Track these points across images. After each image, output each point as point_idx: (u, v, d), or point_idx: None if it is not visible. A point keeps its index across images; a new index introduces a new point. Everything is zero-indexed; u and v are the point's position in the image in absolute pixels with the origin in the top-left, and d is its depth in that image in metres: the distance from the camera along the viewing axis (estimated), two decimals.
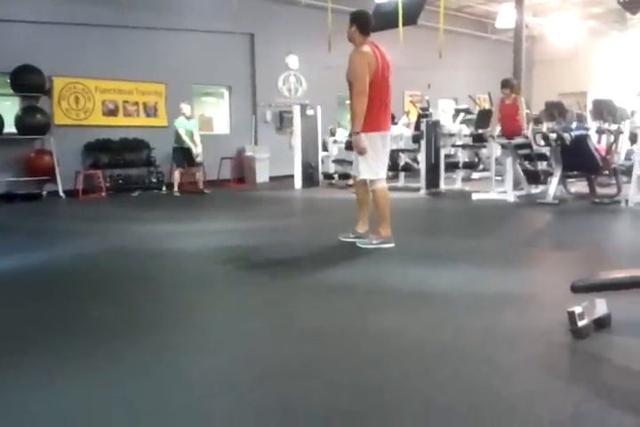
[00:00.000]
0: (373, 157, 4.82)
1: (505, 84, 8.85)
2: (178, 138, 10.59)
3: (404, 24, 9.79)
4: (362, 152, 4.77)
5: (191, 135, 10.63)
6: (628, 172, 7.85)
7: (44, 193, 10.13)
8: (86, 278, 4.22)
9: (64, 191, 10.11)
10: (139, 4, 10.58)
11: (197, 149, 10.66)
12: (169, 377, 2.36)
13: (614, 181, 8.05)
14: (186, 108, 10.61)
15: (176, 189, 10.54)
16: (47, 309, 3.39)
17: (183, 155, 10.66)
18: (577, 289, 2.67)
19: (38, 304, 3.49)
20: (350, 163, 11.73)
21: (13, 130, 9.92)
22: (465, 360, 2.45)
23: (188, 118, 10.72)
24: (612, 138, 9.29)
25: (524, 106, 9.02)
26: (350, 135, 4.95)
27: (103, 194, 10.42)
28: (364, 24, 4.75)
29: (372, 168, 4.85)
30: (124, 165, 11.15)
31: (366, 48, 4.71)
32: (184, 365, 2.48)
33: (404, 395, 2.14)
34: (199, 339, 2.83)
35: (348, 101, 4.99)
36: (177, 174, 10.65)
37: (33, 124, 9.91)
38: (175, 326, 3.05)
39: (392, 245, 4.91)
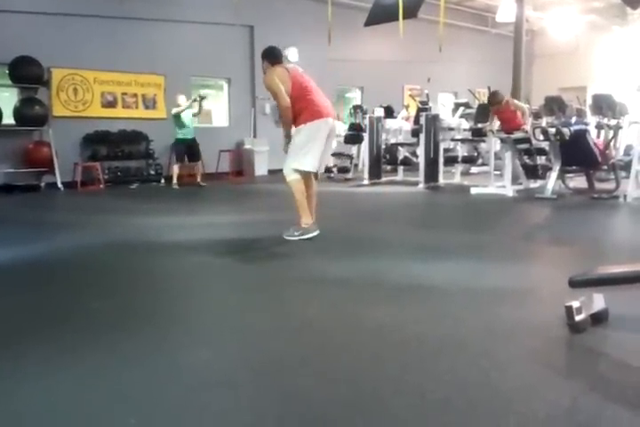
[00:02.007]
0: (306, 147, 5.06)
1: (492, 100, 8.92)
2: (179, 124, 10.48)
3: (404, 17, 9.74)
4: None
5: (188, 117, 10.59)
6: (626, 167, 7.85)
7: (43, 185, 10.13)
8: (84, 270, 4.22)
9: (62, 183, 10.10)
10: None
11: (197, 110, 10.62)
12: (166, 369, 2.36)
13: (613, 177, 8.05)
14: (181, 98, 10.56)
15: (175, 182, 10.52)
16: (45, 300, 3.39)
17: (185, 148, 10.63)
18: (575, 284, 2.68)
19: (36, 295, 3.49)
20: (348, 156, 11.81)
21: (12, 121, 9.90)
22: (462, 354, 2.46)
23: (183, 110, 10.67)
24: (611, 133, 9.29)
25: (519, 104, 9.05)
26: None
27: (101, 186, 10.42)
28: (271, 58, 5.27)
29: (304, 154, 5.07)
30: (122, 158, 11.14)
31: (274, 68, 5.20)
32: (180, 357, 2.48)
33: (401, 388, 2.14)
34: (196, 331, 2.84)
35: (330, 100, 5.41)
36: (176, 168, 10.61)
37: (31, 115, 9.89)
38: (172, 318, 3.06)
39: (315, 233, 5.03)
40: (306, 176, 5.18)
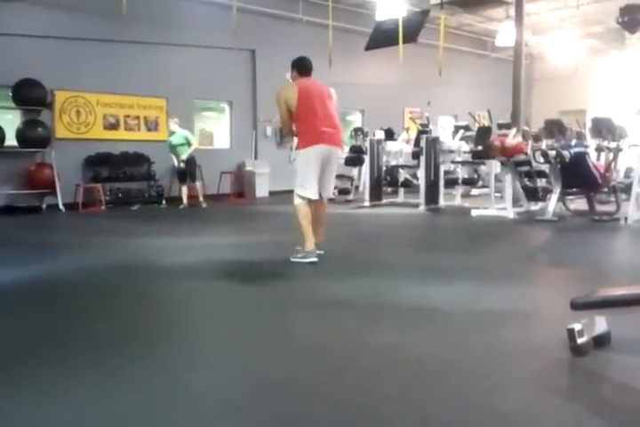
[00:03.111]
0: (301, 173, 5.11)
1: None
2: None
3: (404, 42, 9.88)
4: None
5: (174, 148, 10.76)
6: (627, 189, 7.87)
7: (44, 206, 10.14)
8: (86, 292, 4.20)
9: (64, 204, 10.12)
10: (140, 19, 10.67)
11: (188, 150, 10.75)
12: (168, 393, 2.34)
13: (613, 199, 8.06)
14: (171, 124, 10.81)
15: (185, 202, 10.77)
16: (47, 322, 3.37)
17: (181, 171, 10.85)
18: (576, 306, 2.66)
19: (37, 317, 3.47)
20: (349, 178, 11.84)
21: (14, 143, 9.95)
22: (464, 376, 2.44)
23: (173, 133, 10.86)
24: (611, 156, 9.32)
25: (514, 142, 9.01)
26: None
27: (103, 207, 10.43)
28: (298, 68, 5.34)
29: (300, 184, 5.12)
30: (124, 179, 11.17)
31: (291, 83, 5.27)
32: (183, 381, 2.46)
33: (402, 411, 2.12)
34: (197, 355, 2.82)
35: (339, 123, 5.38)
36: (184, 189, 10.84)
37: (34, 137, 9.94)
38: (174, 341, 3.04)
39: (313, 260, 5.00)
40: (312, 200, 5.16)
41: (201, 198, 10.86)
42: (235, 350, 2.90)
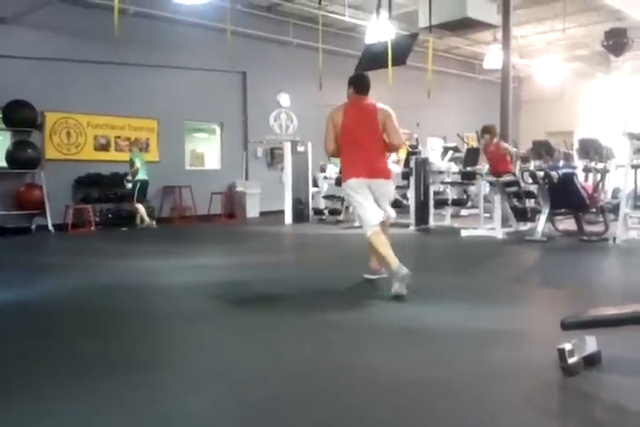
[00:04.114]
0: (356, 205, 4.89)
1: (484, 130, 9.09)
2: (134, 169, 10.72)
3: (393, 64, 9.97)
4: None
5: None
6: (615, 209, 7.93)
7: (34, 227, 10.09)
8: (73, 315, 4.17)
9: (53, 225, 10.07)
10: (132, 41, 10.74)
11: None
12: (157, 418, 2.31)
13: (602, 219, 8.12)
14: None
15: (147, 220, 10.70)
16: (35, 344, 3.34)
17: (143, 187, 10.79)
18: (567, 326, 2.67)
19: (25, 340, 3.44)
20: (339, 198, 11.88)
21: (4, 164, 9.94)
22: (456, 398, 2.43)
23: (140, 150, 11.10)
24: (599, 176, 9.42)
25: (509, 148, 9.20)
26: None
27: (92, 228, 10.39)
28: (353, 86, 5.04)
29: (362, 216, 4.85)
30: (114, 200, 11.15)
31: (339, 107, 5.00)
32: (173, 404, 2.44)
33: None
34: (188, 377, 2.80)
35: None
36: (141, 207, 10.76)
37: (24, 158, 9.94)
38: (163, 364, 3.01)
39: (377, 276, 5.06)
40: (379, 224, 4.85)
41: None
42: (225, 372, 2.87)
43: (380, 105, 4.97)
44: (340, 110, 4.92)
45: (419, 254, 7.72)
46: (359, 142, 4.82)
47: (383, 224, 4.90)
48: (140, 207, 10.72)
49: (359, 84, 5.03)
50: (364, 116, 4.90)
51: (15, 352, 3.21)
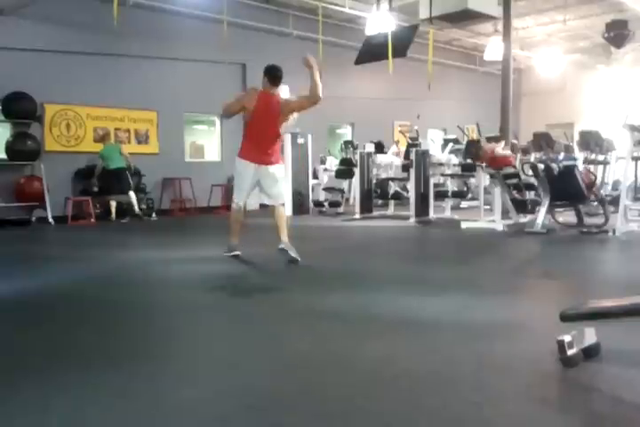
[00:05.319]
0: (235, 182, 5.85)
1: (493, 139, 9.08)
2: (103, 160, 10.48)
3: (393, 56, 9.95)
4: None
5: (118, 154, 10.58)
6: (615, 201, 7.93)
7: (34, 219, 10.10)
8: (76, 305, 4.17)
9: (53, 217, 10.07)
10: (131, 33, 10.72)
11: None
12: (158, 407, 2.32)
13: (602, 211, 8.12)
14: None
15: (114, 215, 10.52)
16: (33, 337, 3.34)
17: (115, 178, 10.46)
18: (566, 318, 2.68)
19: (26, 331, 3.44)
20: (339, 190, 11.89)
21: (4, 156, 9.92)
22: (455, 389, 2.44)
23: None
24: (600, 168, 9.41)
25: (505, 148, 9.12)
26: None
27: (92, 220, 10.39)
28: (266, 76, 5.74)
29: (235, 191, 5.82)
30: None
31: (254, 90, 5.81)
32: (173, 394, 2.44)
33: (393, 425, 2.12)
34: (188, 368, 2.80)
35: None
36: (113, 202, 10.58)
37: (23, 150, 9.93)
38: (163, 354, 3.02)
39: (236, 253, 5.75)
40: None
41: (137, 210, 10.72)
42: (223, 363, 2.88)
43: (282, 98, 5.80)
44: (256, 95, 5.60)
45: (419, 246, 7.74)
46: (261, 131, 5.66)
47: (275, 207, 5.67)
48: (132, 197, 10.60)
49: (273, 76, 5.65)
50: (270, 111, 5.58)
51: (16, 343, 3.22)
